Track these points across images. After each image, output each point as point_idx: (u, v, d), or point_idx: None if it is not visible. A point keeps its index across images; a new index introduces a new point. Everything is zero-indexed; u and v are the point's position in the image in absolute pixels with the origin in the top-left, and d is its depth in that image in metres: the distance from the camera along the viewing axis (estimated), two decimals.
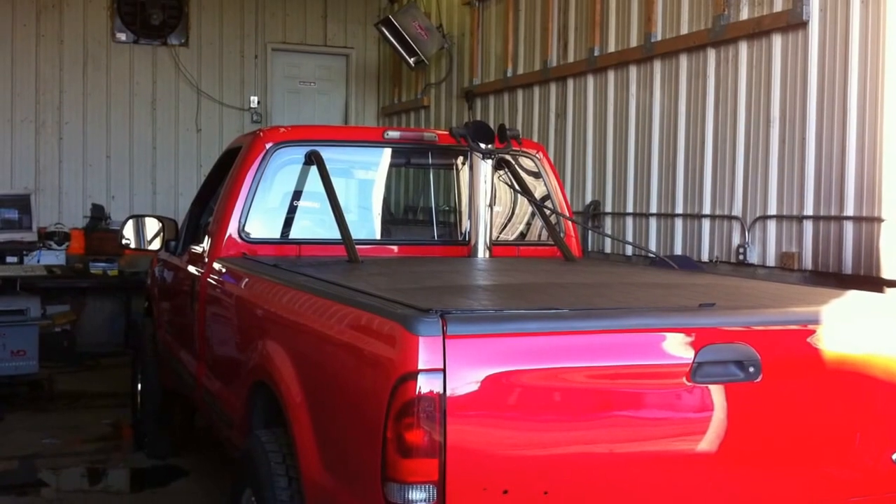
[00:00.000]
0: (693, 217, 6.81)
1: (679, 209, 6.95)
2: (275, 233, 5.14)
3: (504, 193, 5.58)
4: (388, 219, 5.93)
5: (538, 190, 5.53)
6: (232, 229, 4.93)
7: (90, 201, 10.96)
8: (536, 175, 5.56)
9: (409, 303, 2.90)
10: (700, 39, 6.68)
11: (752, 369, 2.89)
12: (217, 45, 11.65)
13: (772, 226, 6.14)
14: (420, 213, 6.24)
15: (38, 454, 6.50)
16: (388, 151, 5.54)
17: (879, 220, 5.36)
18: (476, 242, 5.11)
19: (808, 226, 5.85)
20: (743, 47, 6.36)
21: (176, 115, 11.49)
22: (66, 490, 6.02)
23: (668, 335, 2.88)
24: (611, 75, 7.76)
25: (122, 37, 11.21)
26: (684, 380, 2.84)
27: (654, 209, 7.21)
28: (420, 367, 2.61)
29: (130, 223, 6.06)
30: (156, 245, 6.01)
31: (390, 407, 2.64)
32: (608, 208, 7.77)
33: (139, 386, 6.63)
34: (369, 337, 2.90)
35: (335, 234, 4.76)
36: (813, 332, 3.02)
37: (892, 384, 3.11)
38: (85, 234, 10.55)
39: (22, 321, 7.81)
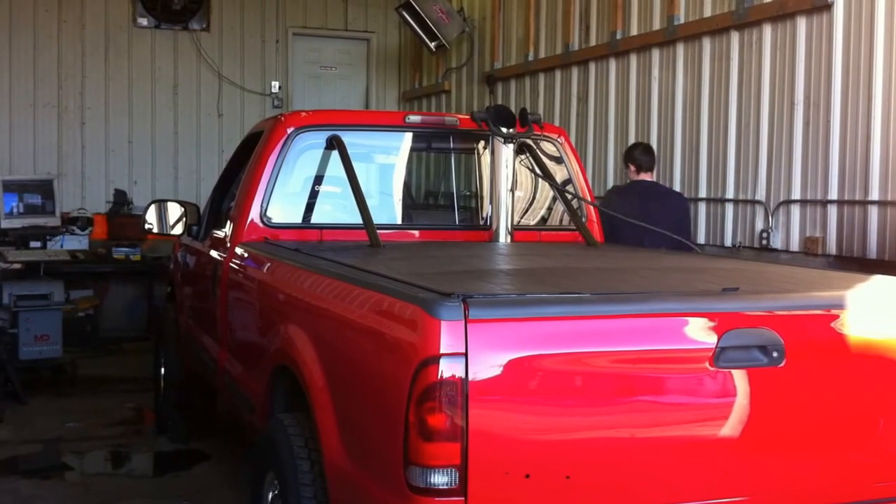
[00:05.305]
0: (716, 201, 6.78)
1: (702, 193, 6.92)
2: (296, 217, 5.13)
3: (525, 178, 5.56)
4: (410, 203, 5.92)
5: (560, 174, 5.51)
6: (254, 214, 4.93)
7: (113, 186, 11.00)
8: (558, 159, 5.54)
9: (431, 287, 2.89)
10: (723, 22, 6.64)
11: (775, 354, 2.87)
12: (238, 29, 11.65)
13: (796, 210, 6.10)
14: (441, 197, 6.23)
15: (61, 438, 6.54)
16: (409, 136, 5.52)
17: None
18: (498, 227, 5.09)
19: (833, 210, 5.81)
20: (767, 30, 6.31)
21: (197, 101, 11.51)
22: (89, 473, 6.05)
23: (691, 320, 2.86)
24: (633, 59, 7.72)
25: (144, 22, 11.23)
26: (707, 364, 2.83)
27: None
28: (442, 351, 2.61)
29: (153, 208, 6.08)
30: (178, 230, 6.02)
31: (412, 391, 2.64)
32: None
33: (161, 370, 6.66)
34: (391, 321, 2.90)
35: (357, 218, 4.75)
36: (837, 316, 3.00)
37: None
38: (108, 219, 10.57)
39: (45, 306, 7.85)
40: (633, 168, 6.66)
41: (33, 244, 9.17)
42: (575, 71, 8.54)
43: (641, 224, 5.19)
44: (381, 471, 2.86)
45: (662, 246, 5.37)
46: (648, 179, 6.71)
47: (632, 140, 7.70)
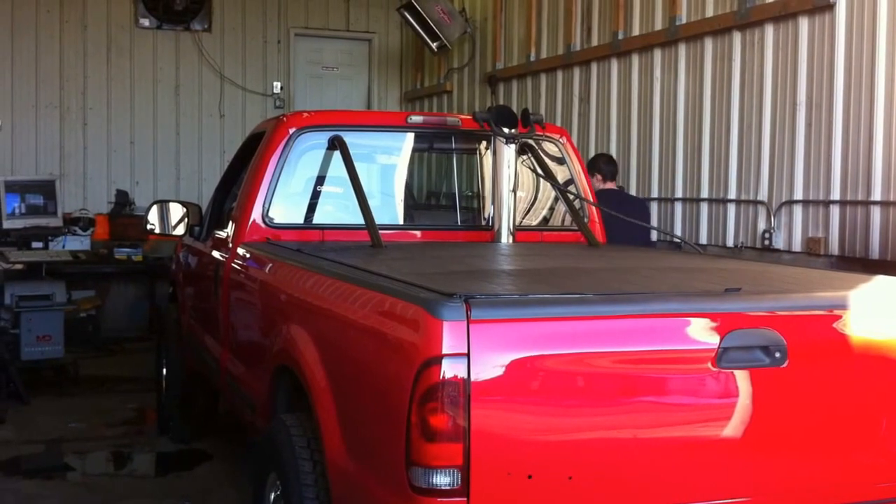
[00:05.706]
0: (718, 202, 6.78)
1: (704, 194, 6.92)
2: (298, 218, 5.13)
3: (527, 178, 5.55)
4: (412, 204, 5.91)
5: (561, 175, 5.50)
6: (256, 214, 4.93)
7: (114, 187, 11.02)
8: (560, 160, 5.54)
9: (433, 287, 2.89)
10: (725, 22, 6.64)
11: (777, 354, 2.87)
12: (240, 30, 11.66)
13: (798, 211, 6.10)
14: (443, 198, 6.23)
15: (63, 438, 6.54)
16: (411, 136, 5.52)
17: None
18: (499, 227, 5.08)
19: (835, 210, 5.81)
20: (769, 30, 6.31)
21: (199, 101, 11.52)
22: (91, 474, 6.06)
23: (694, 320, 2.86)
24: (635, 59, 7.72)
25: (146, 22, 11.24)
26: (709, 365, 2.82)
27: (679, 194, 7.18)
28: (444, 351, 2.60)
29: (155, 208, 6.07)
30: (180, 230, 6.02)
31: (414, 391, 2.64)
32: (633, 193, 7.74)
33: (163, 370, 6.66)
34: (393, 321, 2.90)
35: (358, 219, 4.75)
36: (839, 317, 3.00)
37: None
38: (109, 220, 10.59)
39: (47, 306, 7.85)
40: (599, 178, 7.01)
41: (35, 245, 9.19)
42: (577, 71, 8.54)
43: (643, 224, 5.22)
44: (384, 471, 2.85)
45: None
46: (614, 188, 7.05)
47: (634, 140, 7.71)
